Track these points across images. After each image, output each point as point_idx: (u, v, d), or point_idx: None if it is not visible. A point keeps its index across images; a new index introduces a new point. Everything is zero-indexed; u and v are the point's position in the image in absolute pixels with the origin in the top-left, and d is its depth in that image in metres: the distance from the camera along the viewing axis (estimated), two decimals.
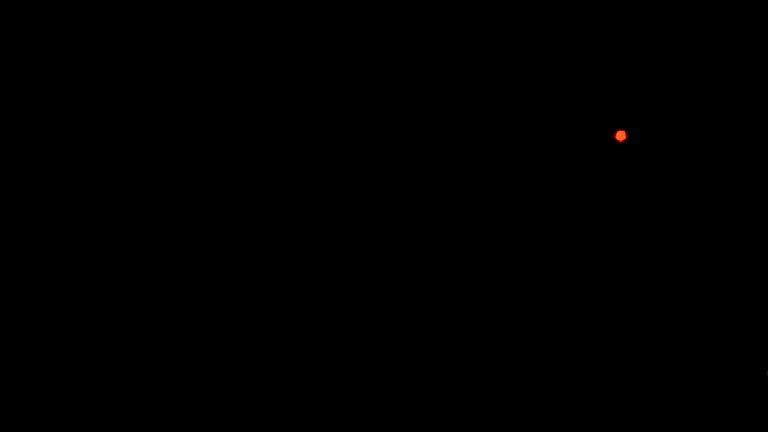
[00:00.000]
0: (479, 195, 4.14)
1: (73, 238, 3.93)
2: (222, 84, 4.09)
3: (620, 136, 4.20)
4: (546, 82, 4.18)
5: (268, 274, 4.03)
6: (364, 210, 4.11)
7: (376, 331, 4.03)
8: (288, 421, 3.90)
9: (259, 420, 3.89)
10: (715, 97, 4.15)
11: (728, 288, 4.03)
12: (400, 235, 4.10)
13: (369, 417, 3.92)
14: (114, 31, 3.99)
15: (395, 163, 4.14)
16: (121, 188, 3.99)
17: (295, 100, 4.12)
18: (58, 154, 3.95)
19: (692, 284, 4.05)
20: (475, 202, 4.14)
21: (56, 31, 3.94)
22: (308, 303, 4.03)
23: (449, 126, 4.18)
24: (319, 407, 3.92)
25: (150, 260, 3.97)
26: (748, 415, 3.87)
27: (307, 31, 4.11)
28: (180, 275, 3.99)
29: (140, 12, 3.99)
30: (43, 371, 3.83)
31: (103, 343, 3.89)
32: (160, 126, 4.03)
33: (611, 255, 4.11)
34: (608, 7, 4.14)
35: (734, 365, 3.94)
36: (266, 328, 3.99)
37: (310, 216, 4.09)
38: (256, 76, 4.11)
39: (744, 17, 4.08)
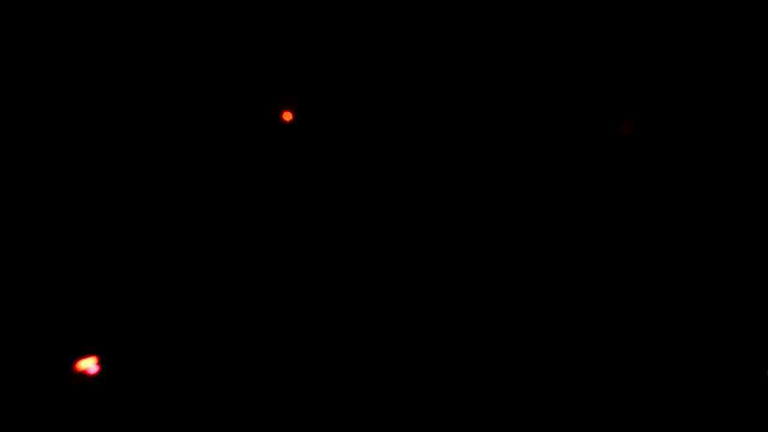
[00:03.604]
0: (481, 191, 4.13)
1: (73, 237, 3.93)
2: (221, 84, 4.06)
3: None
4: (551, 77, 4.15)
5: (266, 274, 4.04)
6: (364, 209, 4.10)
7: (375, 330, 4.04)
8: (288, 421, 3.93)
9: (259, 420, 3.92)
10: (718, 93, 4.13)
11: (728, 288, 4.03)
12: (400, 234, 4.10)
13: (369, 417, 3.94)
14: (114, 30, 3.95)
15: (396, 163, 4.13)
16: (120, 188, 3.98)
17: (295, 100, 4.10)
18: (57, 154, 3.94)
19: (693, 283, 4.05)
20: (478, 198, 4.13)
21: (56, 31, 3.91)
22: (307, 302, 4.04)
23: (452, 121, 4.16)
24: (319, 407, 3.94)
25: (149, 259, 3.97)
26: (748, 415, 3.89)
27: (307, 30, 4.08)
28: (179, 274, 3.99)
29: (140, 12, 3.96)
30: (43, 371, 3.84)
31: (102, 343, 3.90)
32: (159, 126, 4.02)
33: (613, 253, 4.11)
34: (612, 5, 4.10)
35: (734, 365, 3.95)
36: (265, 328, 4.01)
37: (309, 215, 4.08)
38: (256, 75, 4.08)
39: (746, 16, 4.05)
